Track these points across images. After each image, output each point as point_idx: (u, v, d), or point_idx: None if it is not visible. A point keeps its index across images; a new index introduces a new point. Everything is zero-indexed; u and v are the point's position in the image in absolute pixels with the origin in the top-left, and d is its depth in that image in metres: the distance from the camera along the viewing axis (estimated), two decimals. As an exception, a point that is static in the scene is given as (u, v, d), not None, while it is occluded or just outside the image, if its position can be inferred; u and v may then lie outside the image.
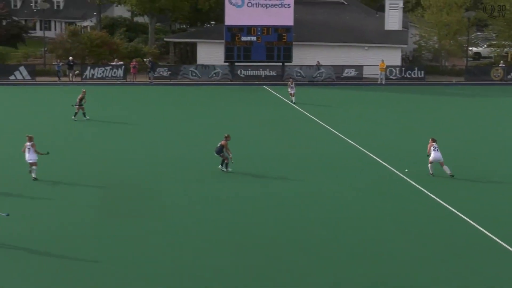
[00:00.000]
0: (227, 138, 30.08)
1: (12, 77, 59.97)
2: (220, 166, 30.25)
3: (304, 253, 20.84)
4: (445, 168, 29.30)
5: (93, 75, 60.87)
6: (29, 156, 28.10)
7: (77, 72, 61.32)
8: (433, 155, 29.20)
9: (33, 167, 28.17)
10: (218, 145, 30.03)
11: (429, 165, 29.46)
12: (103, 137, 37.48)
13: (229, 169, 29.99)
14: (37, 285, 18.51)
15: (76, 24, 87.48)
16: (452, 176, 29.07)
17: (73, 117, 41.68)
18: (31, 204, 25.29)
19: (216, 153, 30.09)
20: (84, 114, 41.84)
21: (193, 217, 24.02)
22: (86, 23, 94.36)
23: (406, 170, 29.92)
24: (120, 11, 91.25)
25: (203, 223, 23.38)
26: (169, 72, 62.16)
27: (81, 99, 41.87)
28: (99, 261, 19.99)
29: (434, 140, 29.42)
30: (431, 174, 29.40)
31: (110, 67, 61.82)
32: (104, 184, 28.04)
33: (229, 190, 27.26)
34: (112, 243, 21.43)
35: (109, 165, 31.05)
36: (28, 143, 28.20)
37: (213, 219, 23.86)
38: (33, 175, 28.13)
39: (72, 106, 42.03)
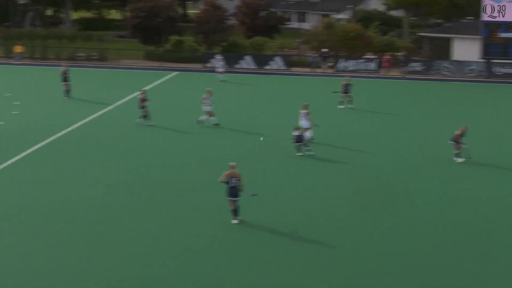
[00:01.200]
0: (463, 129, 30.68)
1: (268, 67, 62.43)
2: (454, 157, 30.61)
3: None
4: None
5: (346, 67, 61.71)
6: (304, 123, 32.08)
7: (331, 64, 62.49)
8: None
9: (307, 132, 31.87)
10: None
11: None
12: (355, 128, 37.99)
13: (460, 159, 30.45)
14: (286, 268, 19.33)
15: (331, 17, 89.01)
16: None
17: (342, 106, 43.47)
18: (279, 187, 26.32)
19: (450, 141, 30.89)
20: (345, 102, 43.55)
21: (432, 216, 23.84)
22: (341, 15, 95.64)
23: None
24: (375, 4, 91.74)
25: (436, 223, 23.21)
26: (422, 67, 61.53)
27: (345, 86, 43.24)
28: (337, 247, 20.65)
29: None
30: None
31: (363, 60, 62.45)
32: (355, 173, 28.72)
33: (476, 191, 26.80)
34: (358, 234, 21.99)
35: (361, 157, 31.60)
36: (303, 111, 32.12)
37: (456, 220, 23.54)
38: (309, 135, 32.00)
39: (346, 100, 43.57)
